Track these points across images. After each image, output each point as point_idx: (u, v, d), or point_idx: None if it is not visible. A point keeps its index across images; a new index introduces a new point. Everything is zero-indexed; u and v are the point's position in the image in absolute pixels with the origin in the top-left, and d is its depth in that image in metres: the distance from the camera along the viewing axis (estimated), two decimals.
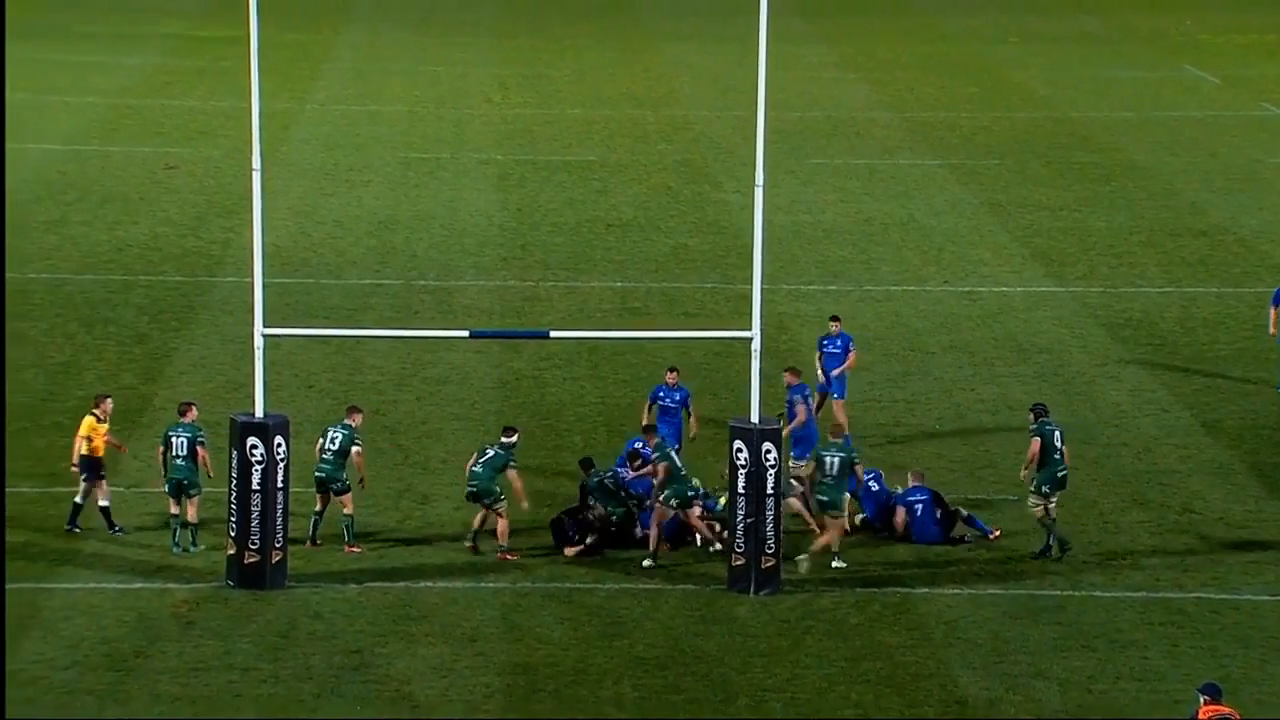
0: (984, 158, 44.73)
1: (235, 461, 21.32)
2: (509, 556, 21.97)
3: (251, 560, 21.28)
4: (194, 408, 22.77)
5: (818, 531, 22.28)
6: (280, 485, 21.34)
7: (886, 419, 27.59)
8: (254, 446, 21.23)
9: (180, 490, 22.07)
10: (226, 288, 33.18)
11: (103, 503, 22.51)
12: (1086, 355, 30.85)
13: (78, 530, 22.40)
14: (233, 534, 21.36)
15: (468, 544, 22.20)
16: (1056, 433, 22.62)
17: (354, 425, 22.48)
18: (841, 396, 26.31)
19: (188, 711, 18.50)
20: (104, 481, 22.53)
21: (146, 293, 32.90)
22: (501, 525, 22.05)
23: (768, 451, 21.40)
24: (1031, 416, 22.88)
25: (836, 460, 22.07)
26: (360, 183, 41.13)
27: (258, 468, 21.24)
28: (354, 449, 22.16)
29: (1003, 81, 54.42)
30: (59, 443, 25.43)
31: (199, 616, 20.58)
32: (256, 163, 21.60)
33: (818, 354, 26.61)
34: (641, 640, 20.32)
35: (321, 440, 22.46)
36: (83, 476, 22.47)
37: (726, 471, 21.77)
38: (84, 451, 22.43)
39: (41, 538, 22.50)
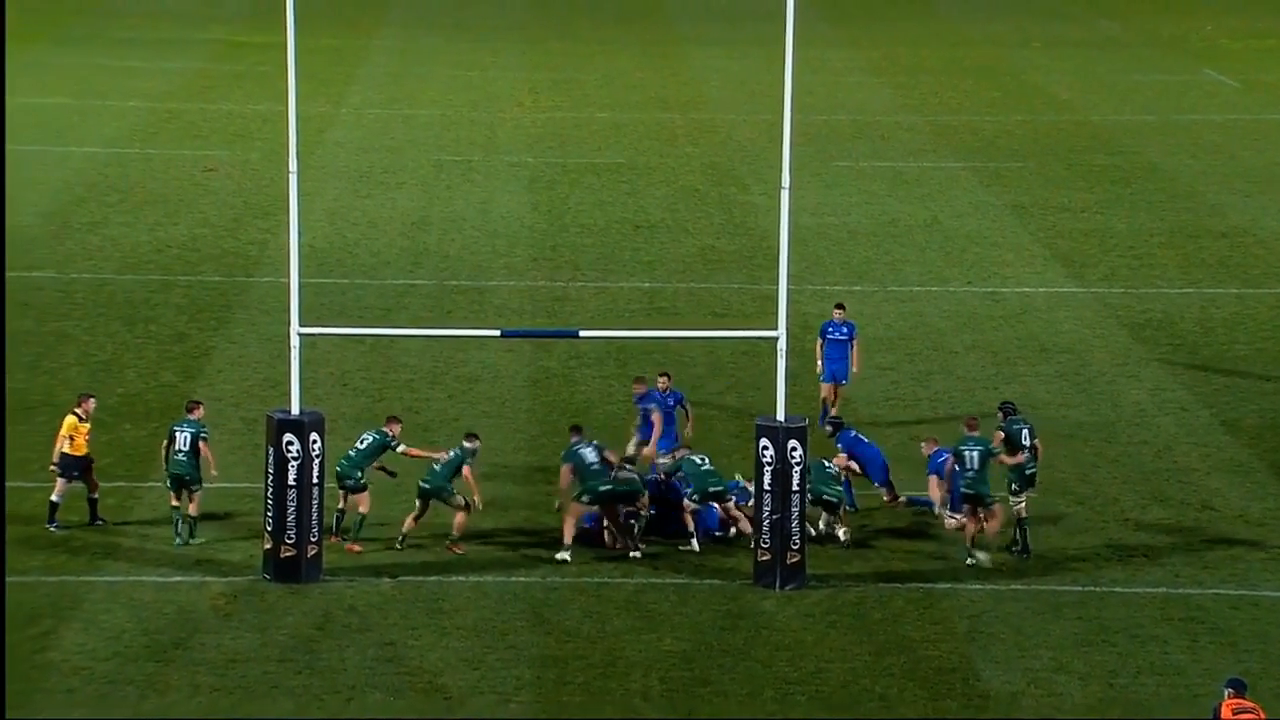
0: (1007, 160, 44.61)
1: (271, 458, 21.38)
2: (457, 550, 21.89)
3: (287, 554, 21.34)
4: (201, 406, 22.84)
5: (957, 526, 22.01)
6: (315, 481, 21.38)
7: (910, 417, 27.53)
8: (290, 443, 21.29)
9: (181, 485, 22.16)
10: (264, 288, 33.28)
11: (93, 495, 22.55)
12: (1107, 355, 30.74)
13: (55, 528, 22.34)
14: (269, 529, 21.42)
15: (398, 544, 21.97)
16: (1025, 430, 22.57)
17: (390, 434, 22.40)
18: (845, 381, 26.41)
19: (226, 702, 18.56)
20: (91, 476, 22.52)
21: (186, 292, 33.02)
22: (460, 519, 21.97)
23: (793, 449, 21.39)
24: (1001, 415, 22.81)
25: (976, 454, 21.98)
26: (394, 185, 41.20)
27: (294, 464, 21.29)
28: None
29: (1025, 85, 54.27)
30: (101, 439, 25.51)
31: (236, 609, 20.65)
32: (293, 165, 21.65)
33: (819, 341, 26.64)
34: (669, 634, 20.32)
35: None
36: (59, 474, 22.48)
37: (745, 471, 21.76)
38: (65, 450, 22.46)
39: (83, 532, 22.60)
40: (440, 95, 51.25)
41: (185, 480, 22.20)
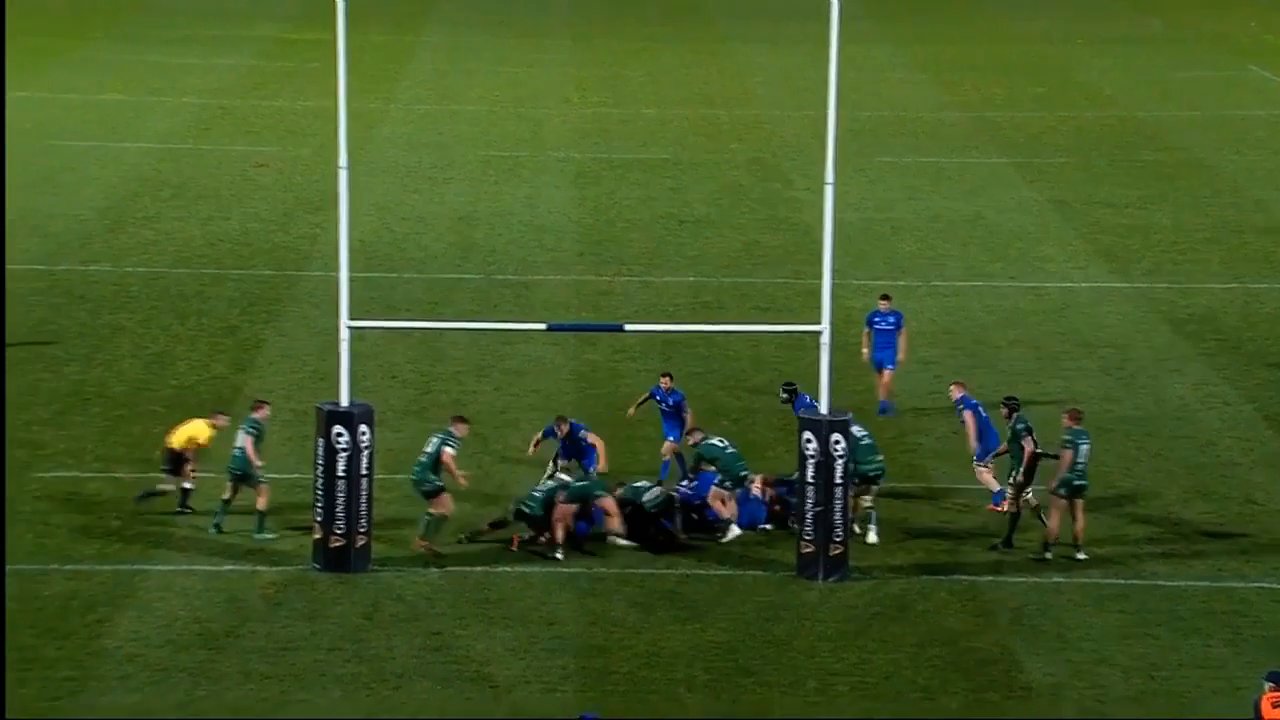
0: (1050, 156, 44.39)
1: (321, 449, 21.48)
2: (425, 545, 21.68)
3: (337, 544, 21.43)
4: (266, 406, 22.83)
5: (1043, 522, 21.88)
6: (365, 472, 21.46)
7: (953, 411, 27.42)
8: (339, 434, 21.38)
9: (237, 480, 22.21)
10: (314, 281, 33.42)
11: (186, 485, 22.82)
12: (1150, 350, 30.55)
13: (189, 511, 22.63)
14: (319, 519, 21.51)
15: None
16: (1025, 427, 22.41)
17: (455, 434, 22.30)
18: (893, 367, 26.48)
19: (276, 689, 18.67)
20: (185, 469, 22.72)
21: (237, 286, 33.19)
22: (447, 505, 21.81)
23: (836, 442, 21.35)
24: (1005, 411, 22.68)
25: (1085, 446, 21.92)
26: (442, 180, 41.31)
27: (343, 455, 21.38)
28: (446, 450, 21.97)
29: (1069, 82, 53.98)
30: (154, 430, 25.70)
31: (286, 598, 20.76)
32: (343, 161, 21.73)
33: (866, 330, 26.67)
34: (713, 624, 20.32)
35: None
36: (167, 470, 22.67)
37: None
38: (171, 445, 22.58)
39: (137, 521, 22.76)
40: (488, 92, 51.33)
41: (240, 477, 22.28)
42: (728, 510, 22.28)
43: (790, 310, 32.00)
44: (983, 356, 30.03)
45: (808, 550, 21.49)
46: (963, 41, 60.60)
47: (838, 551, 21.44)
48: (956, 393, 23.99)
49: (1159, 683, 19.25)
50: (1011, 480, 22.35)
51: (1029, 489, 22.32)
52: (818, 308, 22.10)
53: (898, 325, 26.93)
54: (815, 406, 22.61)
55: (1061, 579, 21.60)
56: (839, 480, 21.34)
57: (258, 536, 22.16)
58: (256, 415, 22.65)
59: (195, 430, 22.89)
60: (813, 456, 21.43)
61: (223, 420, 23.15)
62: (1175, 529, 23.11)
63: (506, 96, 50.71)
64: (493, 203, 39.45)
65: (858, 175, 41.59)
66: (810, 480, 21.41)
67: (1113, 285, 34.19)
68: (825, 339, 21.69)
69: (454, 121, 47.52)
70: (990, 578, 21.58)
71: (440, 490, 22.03)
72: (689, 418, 23.94)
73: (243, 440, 22.37)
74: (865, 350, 26.87)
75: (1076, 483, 21.89)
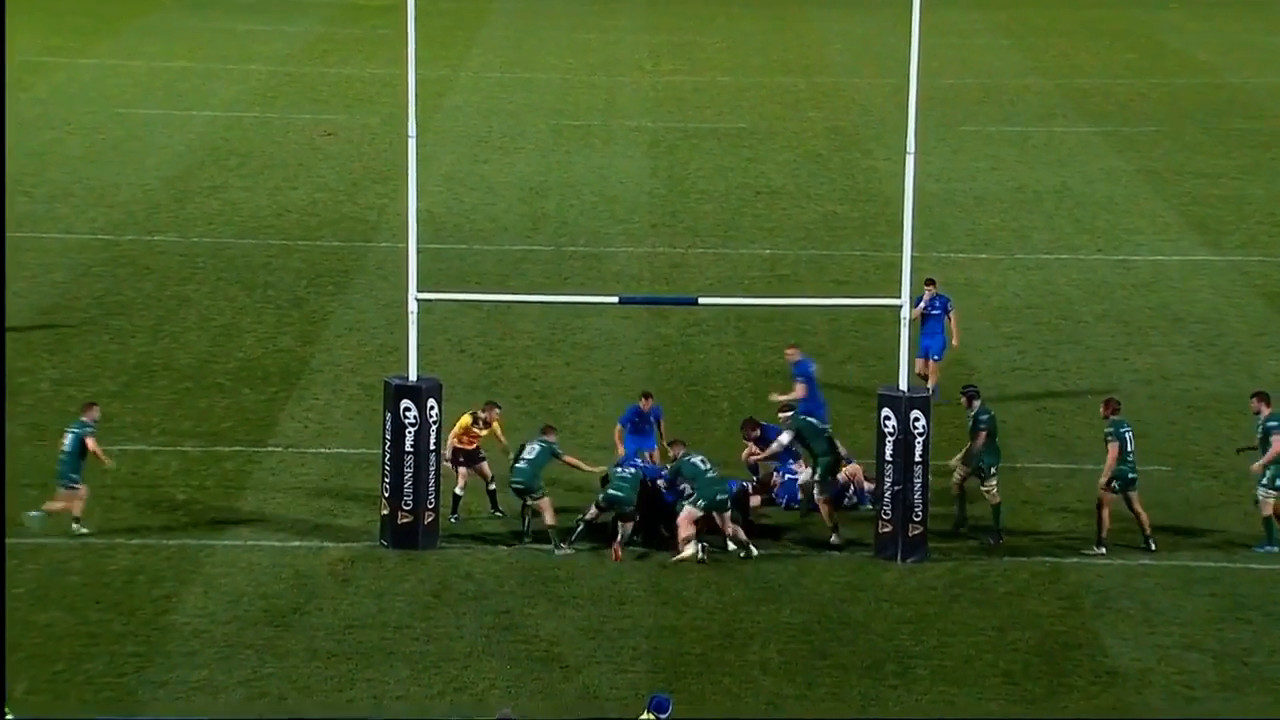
0: (1141, 125, 43.90)
1: (389, 424, 21.60)
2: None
3: (405, 521, 21.56)
4: (96, 408, 21.95)
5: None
6: (433, 448, 21.58)
7: (1037, 388, 27.25)
8: (407, 409, 21.49)
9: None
10: (381, 253, 33.59)
11: (490, 487, 22.34)
12: (1244, 325, 30.20)
13: (455, 519, 22.06)
14: (386, 495, 21.65)
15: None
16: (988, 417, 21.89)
17: (553, 441, 22.05)
18: (939, 357, 26.11)
19: (343, 667, 18.82)
20: (484, 464, 22.32)
21: (304, 257, 33.40)
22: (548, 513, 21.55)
23: (916, 419, 21.26)
24: (965, 400, 21.98)
25: (1130, 435, 21.55)
26: (513, 149, 41.37)
27: (410, 430, 21.49)
28: (566, 459, 21.54)
29: (1161, 48, 53.32)
30: (220, 403, 25.95)
31: (354, 575, 20.91)
32: (412, 130, 21.80)
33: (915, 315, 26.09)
34: (788, 605, 20.31)
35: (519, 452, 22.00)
36: (454, 466, 22.08)
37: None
38: (456, 444, 22.16)
39: (204, 496, 22.99)
40: (559, 59, 51.33)
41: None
42: (685, 531, 21.14)
43: (869, 284, 31.84)
44: (1068, 332, 29.79)
45: (886, 530, 21.42)
46: (1050, 6, 59.97)
47: (917, 532, 21.36)
48: (795, 355, 23.21)
49: (1251, 669, 19.06)
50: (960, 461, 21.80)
51: (962, 470, 21.75)
52: (897, 281, 21.97)
53: (944, 309, 26.25)
54: (811, 423, 21.99)
55: (1149, 561, 21.41)
56: (918, 459, 21.24)
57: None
58: (87, 417, 21.84)
59: (464, 427, 22.19)
60: (891, 434, 21.35)
61: (494, 413, 22.36)
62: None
63: (579, 63, 50.69)
64: (564, 173, 39.47)
65: (940, 145, 41.30)
66: (889, 459, 21.33)
67: (1205, 258, 33.80)
68: (905, 313, 21.58)
69: (525, 89, 47.55)
70: (1074, 560, 21.43)
71: (544, 494, 21.71)
72: (662, 434, 22.84)
73: (72, 443, 21.50)
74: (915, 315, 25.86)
75: (1130, 475, 21.56)
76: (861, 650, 19.32)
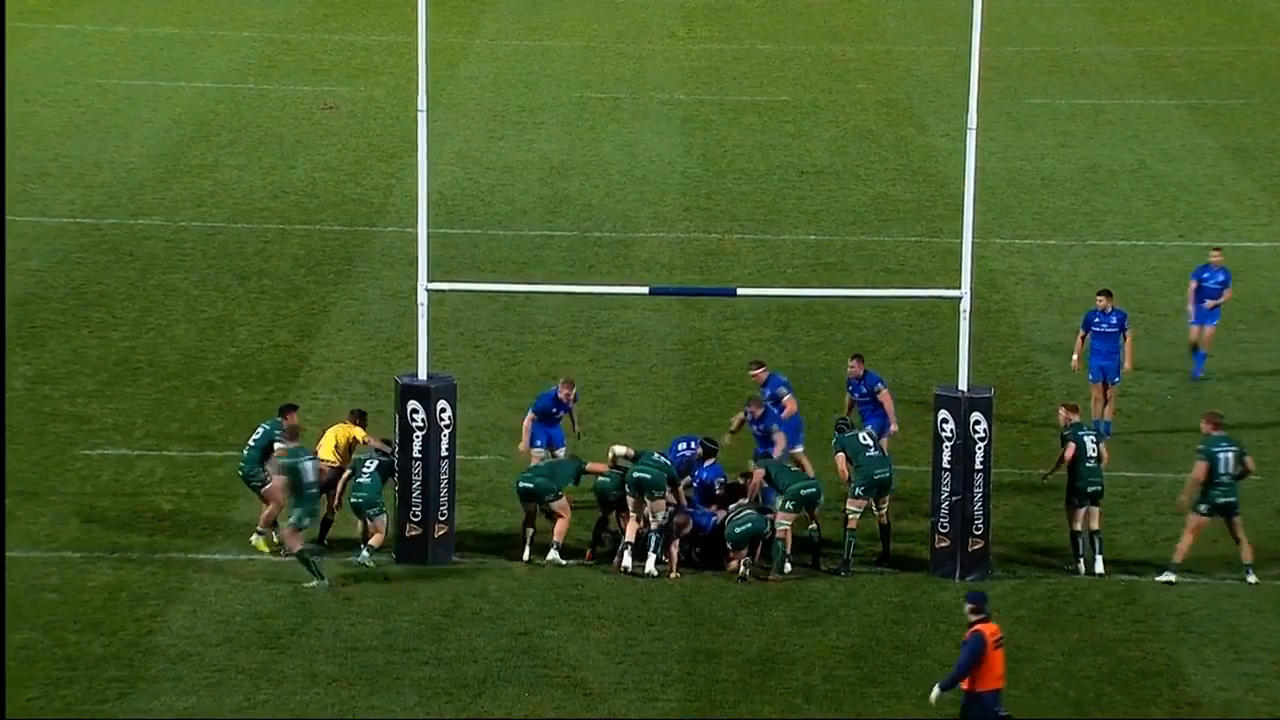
0: (1227, 97, 43.84)
1: (396, 427, 21.67)
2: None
3: (413, 534, 21.62)
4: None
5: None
6: (445, 454, 21.62)
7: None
8: (414, 411, 21.55)
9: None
10: (388, 238, 33.73)
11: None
12: None
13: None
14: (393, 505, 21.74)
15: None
16: (864, 434, 21.78)
17: (584, 463, 22.11)
18: (1118, 380, 25.21)
19: (345, 694, 18.90)
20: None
21: (303, 243, 33.56)
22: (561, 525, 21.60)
23: (976, 422, 21.25)
24: (840, 430, 21.80)
25: (1231, 455, 21.29)
26: (532, 125, 41.50)
27: (419, 434, 21.55)
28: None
29: (1250, 10, 53.21)
30: (210, 403, 26.08)
31: (355, 592, 20.97)
32: (422, 103, 21.88)
33: (1081, 333, 25.54)
34: (835, 628, 20.34)
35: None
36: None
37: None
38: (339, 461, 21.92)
39: (191, 504, 23.10)
40: (584, 25, 51.46)
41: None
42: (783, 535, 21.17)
43: (925, 273, 31.87)
44: (1146, 325, 29.76)
45: (943, 545, 21.43)
46: None
47: (977, 546, 21.36)
48: (762, 374, 22.96)
49: None
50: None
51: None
52: (956, 270, 22.00)
53: (1121, 326, 25.44)
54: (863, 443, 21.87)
55: (1235, 581, 21.37)
56: (979, 466, 21.24)
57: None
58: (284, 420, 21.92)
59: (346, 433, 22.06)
60: (949, 439, 21.35)
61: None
62: None
63: (605, 30, 50.81)
64: (588, 150, 39.58)
65: (1004, 119, 41.31)
66: (946, 466, 21.33)
67: None
68: (965, 306, 21.59)
69: (546, 58, 47.69)
70: (1151, 578, 21.41)
71: (561, 497, 21.70)
72: (576, 424, 23.00)
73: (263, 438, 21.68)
74: (1076, 358, 25.38)
75: (1220, 500, 21.32)
76: (915, 677, 19.33)
